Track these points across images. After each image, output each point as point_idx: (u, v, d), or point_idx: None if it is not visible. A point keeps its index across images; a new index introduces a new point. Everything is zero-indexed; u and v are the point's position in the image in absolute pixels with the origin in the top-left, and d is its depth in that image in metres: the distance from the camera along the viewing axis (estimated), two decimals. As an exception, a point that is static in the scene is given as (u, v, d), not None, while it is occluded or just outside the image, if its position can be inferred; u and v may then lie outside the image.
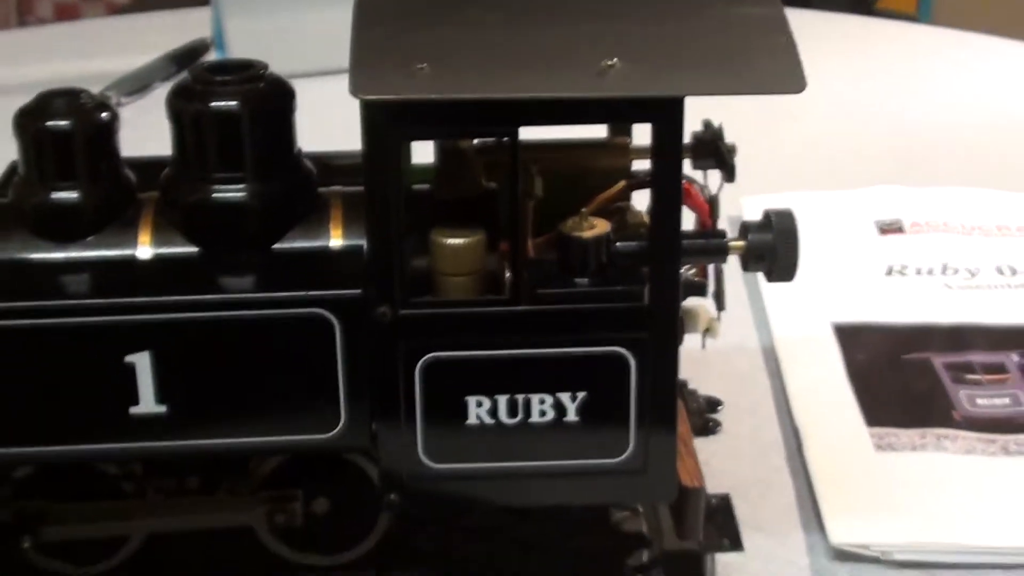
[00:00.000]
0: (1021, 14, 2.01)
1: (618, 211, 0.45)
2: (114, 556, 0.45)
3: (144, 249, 0.43)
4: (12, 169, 0.44)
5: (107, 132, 0.43)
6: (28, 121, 0.42)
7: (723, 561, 0.48)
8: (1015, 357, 0.62)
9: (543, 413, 0.42)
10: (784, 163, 0.84)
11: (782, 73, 0.39)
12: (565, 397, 0.42)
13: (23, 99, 0.44)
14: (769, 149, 0.84)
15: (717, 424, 0.55)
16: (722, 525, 0.46)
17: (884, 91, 1.00)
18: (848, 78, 1.01)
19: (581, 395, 0.42)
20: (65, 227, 0.43)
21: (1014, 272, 0.70)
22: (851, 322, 0.65)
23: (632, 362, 0.42)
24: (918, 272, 0.70)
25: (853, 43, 1.09)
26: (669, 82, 0.39)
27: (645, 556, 0.46)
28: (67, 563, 0.45)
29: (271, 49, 0.51)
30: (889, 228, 0.75)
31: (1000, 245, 0.73)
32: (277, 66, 0.44)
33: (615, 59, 0.38)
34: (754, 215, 0.72)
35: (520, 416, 0.42)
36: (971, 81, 1.02)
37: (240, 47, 0.84)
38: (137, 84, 0.96)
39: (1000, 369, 0.61)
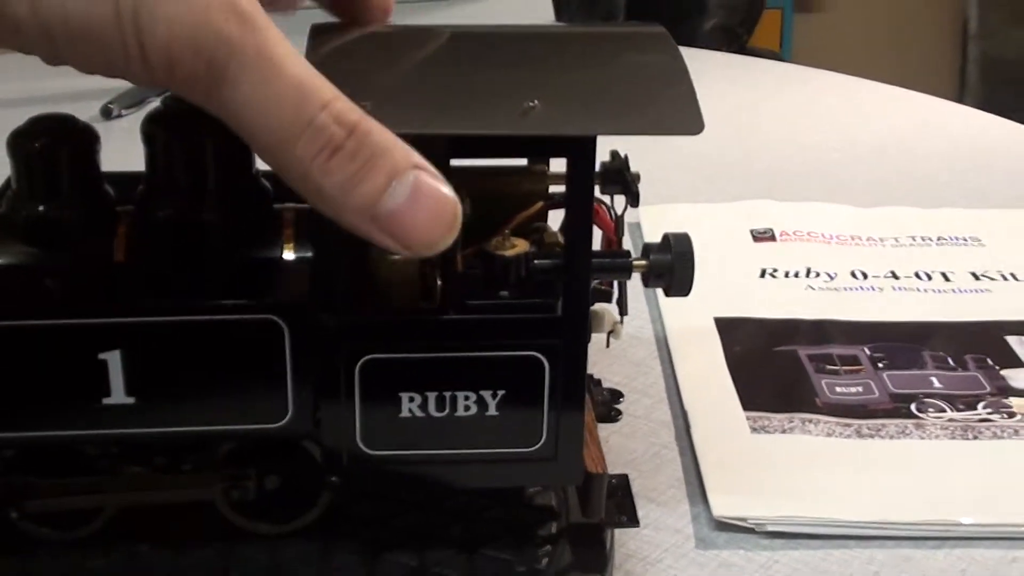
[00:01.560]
0: (863, 54, 2.02)
1: (536, 230, 0.43)
2: (90, 525, 0.42)
3: (119, 258, 0.40)
4: (7, 184, 0.41)
5: (90, 152, 0.40)
6: (20, 142, 0.39)
7: (620, 530, 0.46)
8: (867, 350, 0.60)
9: (467, 408, 0.40)
10: (673, 178, 0.82)
11: (683, 116, 0.36)
12: (487, 394, 0.39)
13: (34, 111, 0.41)
14: (660, 165, 0.82)
15: (619, 413, 0.53)
16: (621, 502, 0.44)
17: (753, 118, 0.99)
18: (724, 107, 1.00)
19: (501, 392, 0.40)
20: (51, 237, 0.40)
21: (865, 276, 0.68)
22: (730, 316, 0.63)
23: (546, 364, 0.39)
24: (787, 275, 0.68)
25: (728, 77, 1.08)
26: (583, 123, 0.36)
27: (554, 527, 0.44)
28: (50, 530, 0.42)
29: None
30: (762, 236, 0.73)
31: (854, 253, 0.71)
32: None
33: (535, 101, 0.35)
34: (649, 223, 0.71)
35: (447, 410, 0.40)
36: (825, 111, 1.01)
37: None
38: (136, 98, 0.94)
39: (855, 361, 0.59)
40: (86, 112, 0.92)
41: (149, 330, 0.38)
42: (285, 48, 0.33)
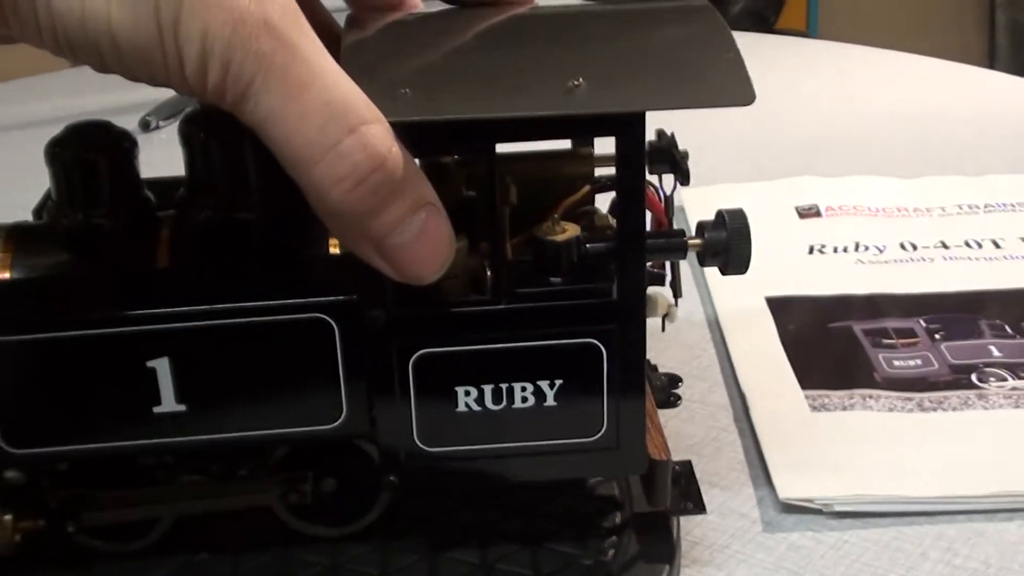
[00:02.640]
0: (890, 31, 1.98)
1: (586, 214, 0.41)
2: (148, 535, 0.41)
3: (163, 263, 0.38)
4: (47, 196, 0.40)
5: (128, 159, 0.39)
6: (58, 151, 0.38)
7: (685, 517, 0.44)
8: (922, 322, 0.58)
9: (524, 399, 0.38)
10: (713, 159, 0.80)
11: (733, 87, 0.34)
12: (544, 384, 0.38)
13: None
14: (699, 147, 0.80)
15: (678, 398, 0.51)
16: (685, 490, 0.42)
17: (788, 96, 0.97)
18: (759, 86, 0.97)
19: (559, 382, 0.38)
20: (93, 246, 0.38)
21: (915, 247, 0.66)
22: (781, 295, 0.61)
23: (604, 351, 0.37)
24: (835, 250, 0.66)
25: (760, 56, 1.05)
26: (631, 99, 0.34)
27: (618, 518, 0.42)
28: (107, 542, 0.41)
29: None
30: (807, 213, 0.71)
31: (902, 224, 0.69)
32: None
33: (580, 79, 0.34)
34: (692, 205, 0.69)
35: (504, 402, 0.38)
36: (859, 85, 0.99)
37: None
38: (174, 109, 0.94)
39: (911, 334, 0.57)
40: (125, 125, 0.91)
41: (196, 335, 0.37)
42: (321, 64, 0.32)
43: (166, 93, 0.87)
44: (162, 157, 0.41)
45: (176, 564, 0.41)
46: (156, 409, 0.37)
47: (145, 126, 0.92)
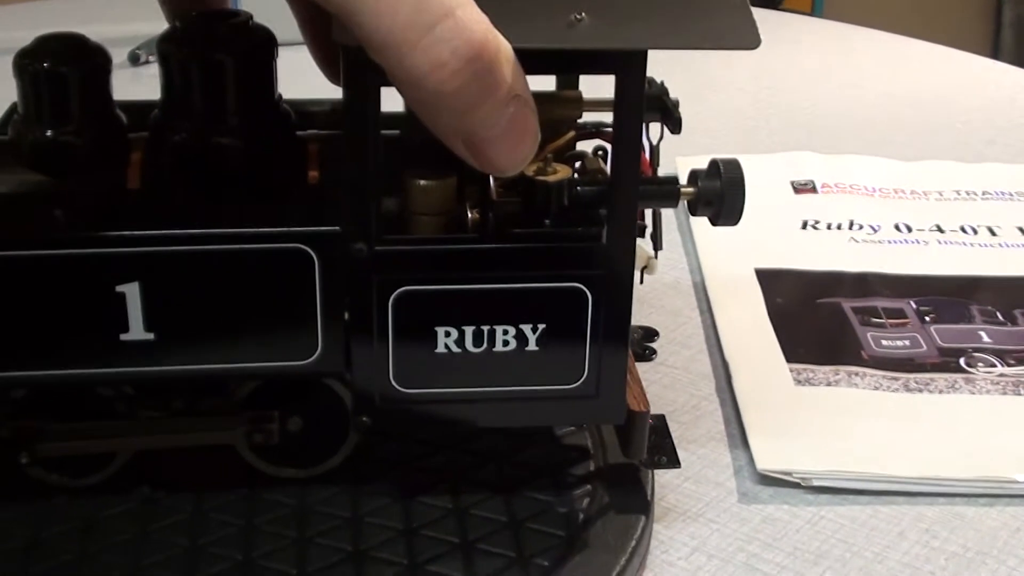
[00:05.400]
0: (895, 18, 1.99)
1: (575, 157, 0.41)
2: (104, 470, 0.41)
3: (133, 185, 0.38)
4: (12, 109, 0.39)
5: (101, 74, 0.39)
6: (27, 63, 0.37)
7: (660, 481, 0.45)
8: (913, 303, 0.58)
9: (506, 343, 0.38)
10: (712, 129, 0.81)
11: (738, 30, 0.34)
12: (527, 328, 0.38)
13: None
14: (699, 117, 0.81)
15: (653, 352, 0.51)
16: (658, 444, 0.42)
17: (791, 73, 0.98)
18: (762, 61, 0.98)
19: (541, 326, 0.38)
20: (60, 164, 0.38)
21: (910, 229, 0.67)
22: (771, 268, 0.61)
23: (589, 297, 0.38)
24: (829, 227, 0.67)
25: (765, 31, 1.06)
26: (634, 36, 0.34)
27: (591, 467, 0.42)
28: (61, 476, 0.41)
29: (284, 15, 0.45)
30: (803, 188, 0.72)
31: (898, 206, 0.70)
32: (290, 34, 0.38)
33: (582, 13, 0.34)
34: (686, 171, 0.69)
35: (485, 345, 0.38)
36: (862, 66, 1.01)
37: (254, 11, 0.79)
38: None
39: (901, 314, 0.57)
40: (115, 58, 0.91)
41: (170, 261, 0.37)
42: None
43: (157, 27, 0.87)
44: (149, 91, 0.41)
45: (133, 501, 0.41)
46: (123, 336, 0.37)
47: (134, 59, 0.92)
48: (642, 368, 0.52)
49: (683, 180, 0.40)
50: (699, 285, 0.61)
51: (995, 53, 2.29)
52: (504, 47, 0.32)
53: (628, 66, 0.35)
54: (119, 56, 0.92)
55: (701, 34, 0.34)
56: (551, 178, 0.38)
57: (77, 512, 0.40)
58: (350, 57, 0.35)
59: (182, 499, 0.41)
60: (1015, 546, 0.43)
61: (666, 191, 0.39)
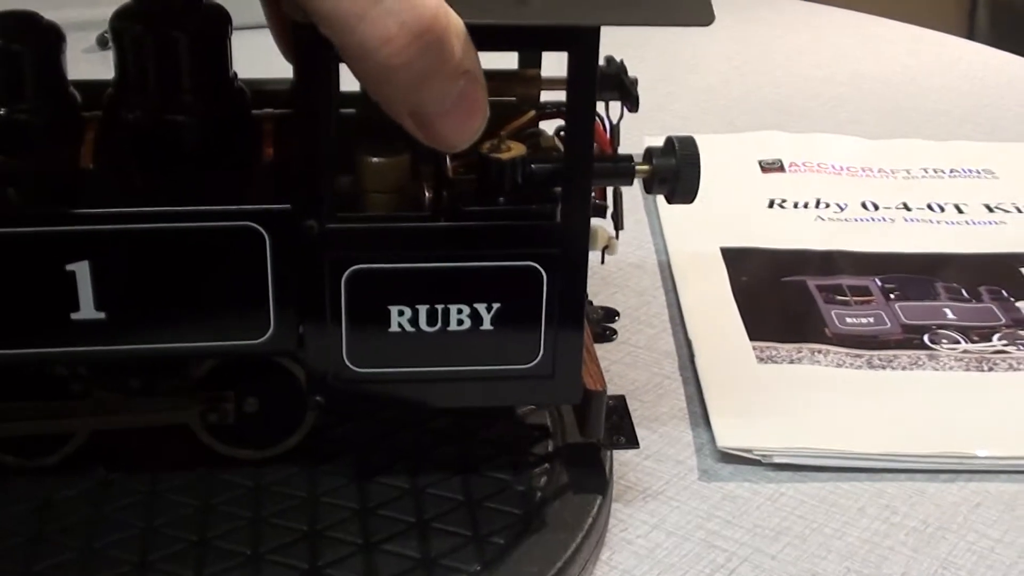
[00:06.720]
0: (869, 1, 1.99)
1: (531, 135, 0.41)
2: (59, 451, 0.41)
3: (85, 164, 0.38)
4: None
5: (54, 52, 0.38)
6: None
7: (620, 460, 0.45)
8: (878, 281, 0.58)
9: (460, 322, 0.38)
10: (681, 109, 0.81)
11: (692, 6, 0.34)
12: (481, 307, 0.38)
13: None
14: (667, 95, 0.81)
15: (613, 332, 0.51)
16: (617, 424, 0.42)
17: (762, 53, 0.97)
18: (733, 41, 0.98)
19: (496, 306, 0.38)
20: (13, 142, 0.37)
21: (876, 207, 0.67)
22: (737, 246, 0.61)
23: (544, 276, 0.38)
24: (795, 205, 0.67)
25: (736, 11, 1.06)
26: (587, 12, 0.34)
27: (550, 446, 0.42)
28: (16, 456, 0.41)
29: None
30: (770, 167, 0.72)
31: (865, 184, 0.70)
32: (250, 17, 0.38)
33: (535, -11, 0.34)
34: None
35: (439, 324, 0.38)
36: (834, 46, 1.00)
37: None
38: None
39: (865, 292, 0.57)
40: (83, 42, 0.91)
41: (120, 239, 0.37)
42: None
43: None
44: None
45: (88, 483, 0.40)
46: (74, 315, 0.37)
47: (103, 43, 0.91)
48: (606, 347, 0.52)
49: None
50: (664, 264, 0.61)
51: (971, 34, 2.30)
52: (455, 22, 0.32)
53: (581, 43, 0.35)
54: (88, 39, 0.91)
55: (655, 10, 0.34)
56: (505, 155, 0.37)
57: (32, 493, 0.40)
58: (301, 33, 0.34)
59: (138, 480, 0.41)
60: (975, 521, 0.43)
61: (621, 168, 0.39)
